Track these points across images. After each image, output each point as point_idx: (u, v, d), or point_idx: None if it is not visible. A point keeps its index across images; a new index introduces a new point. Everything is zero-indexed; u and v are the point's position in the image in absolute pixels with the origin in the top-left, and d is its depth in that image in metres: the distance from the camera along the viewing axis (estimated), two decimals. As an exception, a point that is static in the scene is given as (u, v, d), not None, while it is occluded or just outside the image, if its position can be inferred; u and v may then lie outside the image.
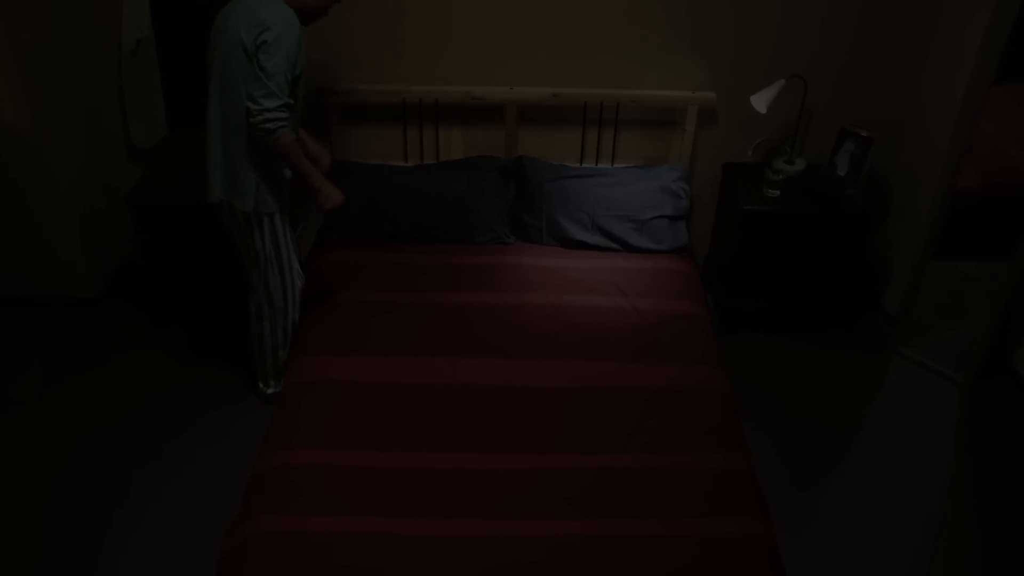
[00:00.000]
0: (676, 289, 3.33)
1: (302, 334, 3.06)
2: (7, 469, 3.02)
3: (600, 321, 3.12)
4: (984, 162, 3.62)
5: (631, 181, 3.59)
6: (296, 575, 2.20)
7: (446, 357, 2.92)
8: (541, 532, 2.32)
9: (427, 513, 2.36)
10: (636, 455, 2.58)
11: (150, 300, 3.68)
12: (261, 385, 3.27)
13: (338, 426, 2.64)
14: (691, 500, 2.44)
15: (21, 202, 3.50)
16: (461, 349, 2.95)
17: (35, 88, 3.29)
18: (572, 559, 2.26)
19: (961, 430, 3.37)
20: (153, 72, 3.57)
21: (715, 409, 2.77)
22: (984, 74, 3.14)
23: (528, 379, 2.84)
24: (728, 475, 2.52)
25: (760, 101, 3.38)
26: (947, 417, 3.43)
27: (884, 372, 3.63)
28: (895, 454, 3.22)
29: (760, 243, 3.52)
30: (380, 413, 2.69)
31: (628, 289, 3.29)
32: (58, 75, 3.38)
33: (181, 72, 3.57)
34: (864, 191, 3.55)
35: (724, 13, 3.42)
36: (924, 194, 3.53)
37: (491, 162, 3.63)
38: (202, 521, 2.80)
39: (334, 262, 3.38)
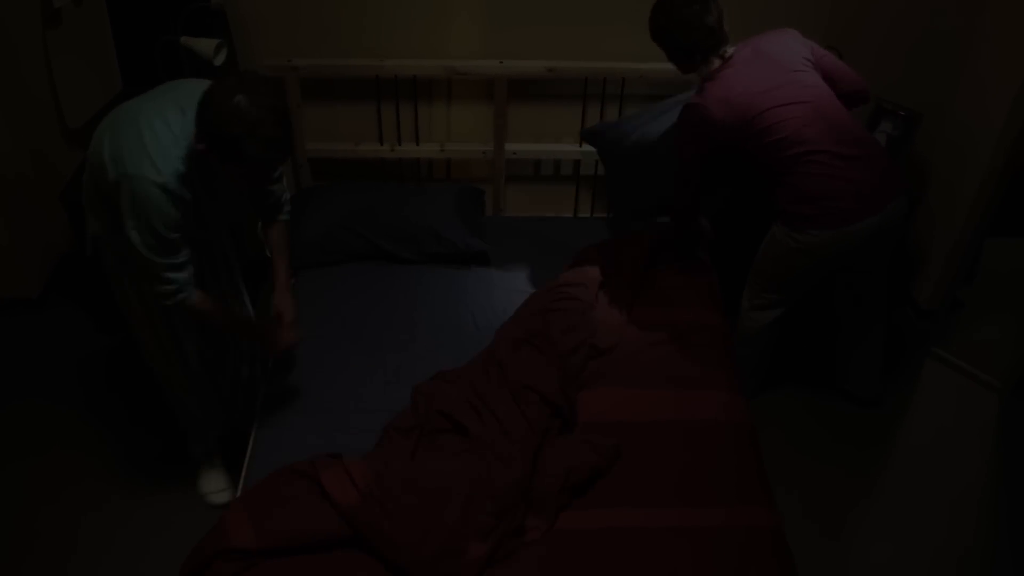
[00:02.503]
0: (688, 294, 2.95)
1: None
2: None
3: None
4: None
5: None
6: None
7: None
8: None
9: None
10: (644, 511, 2.23)
11: (99, 299, 3.26)
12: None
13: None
14: (704, 569, 2.11)
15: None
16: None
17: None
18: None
19: (1000, 447, 3.07)
20: (102, 24, 3.09)
21: (735, 449, 2.42)
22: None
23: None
24: (750, 535, 2.19)
25: (787, 78, 2.95)
26: (985, 430, 3.13)
27: (915, 376, 3.31)
28: (930, 481, 2.92)
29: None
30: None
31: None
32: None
33: (136, 15, 3.09)
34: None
35: (748, -27, 2.97)
36: (970, 176, 3.15)
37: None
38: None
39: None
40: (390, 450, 2.27)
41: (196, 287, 2.18)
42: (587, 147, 3.33)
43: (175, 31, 2.90)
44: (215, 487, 2.73)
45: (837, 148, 2.54)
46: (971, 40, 3.10)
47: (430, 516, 2.05)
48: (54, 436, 2.94)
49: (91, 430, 2.95)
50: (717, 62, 2.56)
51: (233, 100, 1.86)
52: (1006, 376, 3.23)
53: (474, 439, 2.22)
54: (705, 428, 2.46)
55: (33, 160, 3.21)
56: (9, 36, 2.96)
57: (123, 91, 3.24)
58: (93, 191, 2.15)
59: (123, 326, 3.18)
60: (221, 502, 2.69)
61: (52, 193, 3.22)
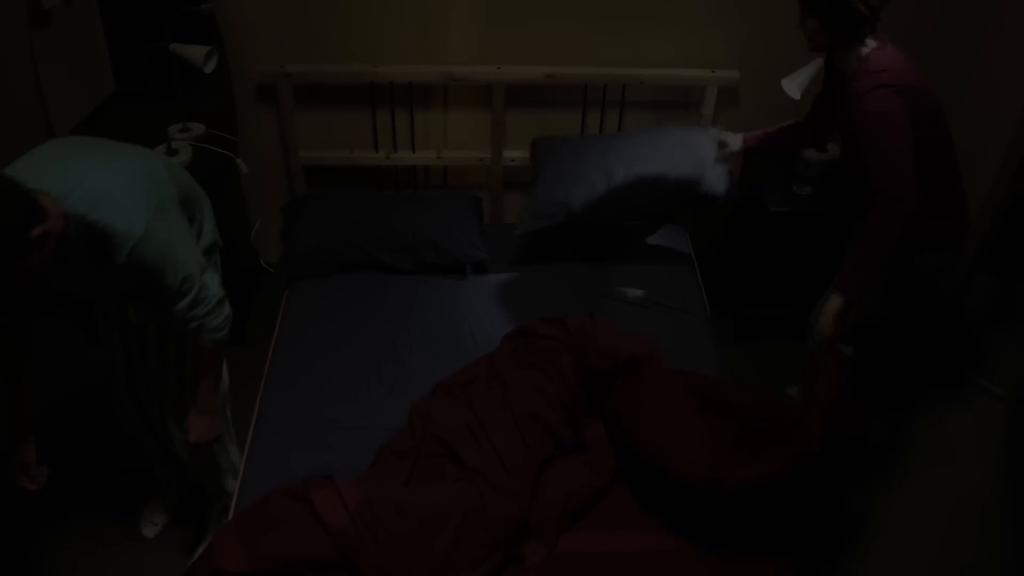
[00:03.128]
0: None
1: None
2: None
3: None
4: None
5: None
6: None
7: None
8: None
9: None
10: (647, 534, 2.15)
11: (90, 309, 3.17)
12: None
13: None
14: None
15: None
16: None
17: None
18: None
19: (1005, 458, 3.01)
20: (93, 23, 3.02)
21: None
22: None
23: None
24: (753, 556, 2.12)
25: (793, 85, 2.87)
26: (990, 441, 3.06)
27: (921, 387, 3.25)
28: (933, 493, 2.86)
29: (788, 246, 3.07)
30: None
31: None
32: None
33: (128, 13, 3.00)
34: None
35: (751, -24, 2.90)
36: (980, 180, 3.07)
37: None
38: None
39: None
40: (385, 473, 2.21)
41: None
42: (586, 154, 3.27)
43: (164, 37, 2.83)
44: (150, 517, 2.66)
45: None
46: (981, 45, 3.04)
47: (420, 544, 1.98)
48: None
49: (83, 450, 2.88)
50: (873, 44, 2.26)
51: None
52: (1011, 385, 3.17)
53: (468, 469, 2.16)
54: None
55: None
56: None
57: (116, 91, 3.17)
58: None
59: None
60: (147, 534, 2.63)
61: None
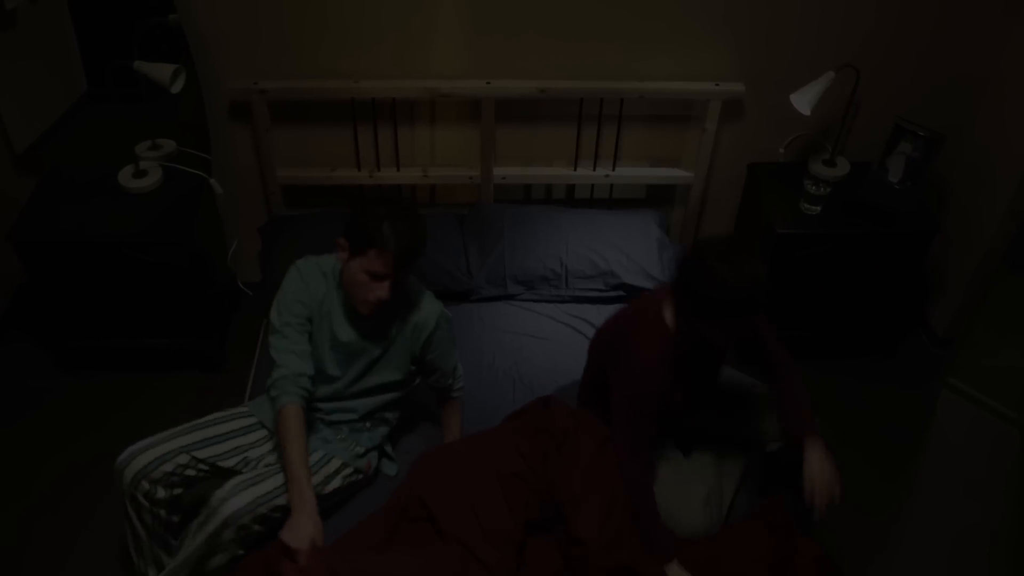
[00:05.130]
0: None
1: None
2: None
3: None
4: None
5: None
6: None
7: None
8: None
9: None
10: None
11: (59, 334, 3.02)
12: None
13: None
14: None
15: None
16: None
17: None
18: None
19: (1022, 485, 2.89)
20: (62, 21, 2.86)
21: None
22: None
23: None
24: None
25: (803, 100, 2.71)
26: (1005, 467, 2.95)
27: (930, 409, 3.12)
28: (946, 523, 2.75)
29: (795, 269, 2.91)
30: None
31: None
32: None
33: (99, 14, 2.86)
34: (923, 204, 2.94)
35: (758, -16, 2.72)
36: (995, 202, 2.94)
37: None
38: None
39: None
40: (359, 539, 2.04)
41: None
42: (581, 170, 3.09)
43: (131, 51, 2.64)
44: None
45: None
46: (998, 60, 2.88)
47: None
48: (7, 479, 2.72)
49: (49, 473, 2.73)
50: None
51: None
52: (1028, 410, 3.06)
53: (447, 536, 2.00)
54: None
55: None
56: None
57: (88, 91, 2.97)
58: None
59: (85, 364, 2.98)
60: None
61: (2, 221, 2.97)
